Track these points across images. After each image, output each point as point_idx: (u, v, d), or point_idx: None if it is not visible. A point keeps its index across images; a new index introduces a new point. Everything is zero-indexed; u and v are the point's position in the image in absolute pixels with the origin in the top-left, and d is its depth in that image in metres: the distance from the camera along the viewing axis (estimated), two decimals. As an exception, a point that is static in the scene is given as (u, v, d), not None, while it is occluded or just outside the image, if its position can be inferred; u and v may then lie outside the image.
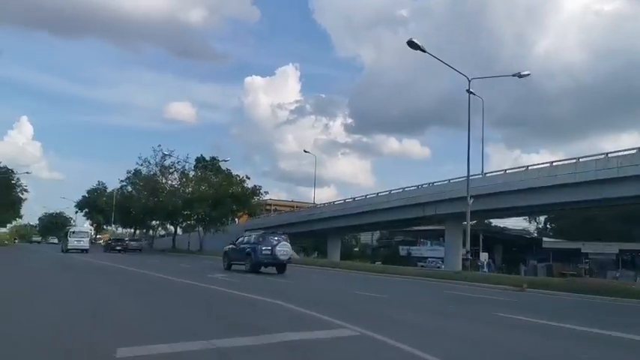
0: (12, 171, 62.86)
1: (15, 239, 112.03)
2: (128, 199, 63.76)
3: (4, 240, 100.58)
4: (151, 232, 74.40)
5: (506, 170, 38.46)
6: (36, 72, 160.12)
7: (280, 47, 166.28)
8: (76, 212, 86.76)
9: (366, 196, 52.83)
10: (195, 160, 56.00)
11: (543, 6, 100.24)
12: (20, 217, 79.35)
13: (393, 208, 47.46)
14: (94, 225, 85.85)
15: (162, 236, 75.55)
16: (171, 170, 56.21)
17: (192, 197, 49.15)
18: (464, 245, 30.66)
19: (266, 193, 53.55)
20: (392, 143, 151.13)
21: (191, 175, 53.44)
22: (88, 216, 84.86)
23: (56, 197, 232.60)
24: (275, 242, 22.64)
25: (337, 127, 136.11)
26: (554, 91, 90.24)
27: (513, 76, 30.25)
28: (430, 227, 54.10)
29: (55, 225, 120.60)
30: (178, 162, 56.62)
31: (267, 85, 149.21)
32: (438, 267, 46.27)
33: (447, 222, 44.44)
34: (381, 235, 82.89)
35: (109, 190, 79.38)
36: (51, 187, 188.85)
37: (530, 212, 55.19)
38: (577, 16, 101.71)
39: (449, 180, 41.37)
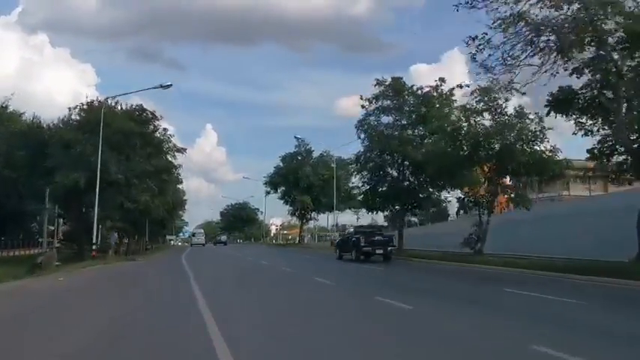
0: (154, 115, 33.69)
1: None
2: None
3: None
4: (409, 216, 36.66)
5: None
6: (216, 82, 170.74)
7: (446, 31, 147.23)
8: (267, 194, 56.71)
9: None
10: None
11: None
12: (181, 203, 50.41)
13: None
14: (297, 212, 53.56)
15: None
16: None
17: None
18: None
19: None
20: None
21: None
22: (285, 198, 53.28)
23: (242, 196, 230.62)
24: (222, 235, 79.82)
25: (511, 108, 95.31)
26: None
27: None
28: None
29: (240, 219, 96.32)
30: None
31: (433, 71, 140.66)
32: None
33: None
34: None
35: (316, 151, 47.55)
36: (237, 187, 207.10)
37: None
38: None
39: None
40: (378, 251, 23.74)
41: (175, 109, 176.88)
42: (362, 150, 28.80)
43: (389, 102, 27.50)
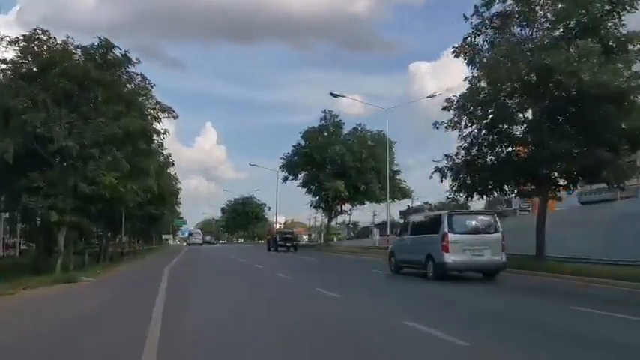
0: (126, 57, 22.27)
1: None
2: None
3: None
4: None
5: None
6: (216, 80, 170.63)
7: (446, 29, 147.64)
8: (285, 180, 43.96)
9: None
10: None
11: None
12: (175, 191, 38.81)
13: None
14: (328, 202, 40.45)
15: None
16: None
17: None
18: None
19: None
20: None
21: None
22: (309, 185, 41.75)
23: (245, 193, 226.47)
24: (207, 235, 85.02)
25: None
26: None
27: None
28: None
29: (244, 215, 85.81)
30: None
31: (433, 69, 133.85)
32: None
33: None
34: None
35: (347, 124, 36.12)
36: (238, 185, 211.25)
37: None
38: None
39: None
40: (288, 244, 36.32)
41: (175, 107, 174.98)
42: (471, 87, 16.35)
43: (515, 5, 16.03)
